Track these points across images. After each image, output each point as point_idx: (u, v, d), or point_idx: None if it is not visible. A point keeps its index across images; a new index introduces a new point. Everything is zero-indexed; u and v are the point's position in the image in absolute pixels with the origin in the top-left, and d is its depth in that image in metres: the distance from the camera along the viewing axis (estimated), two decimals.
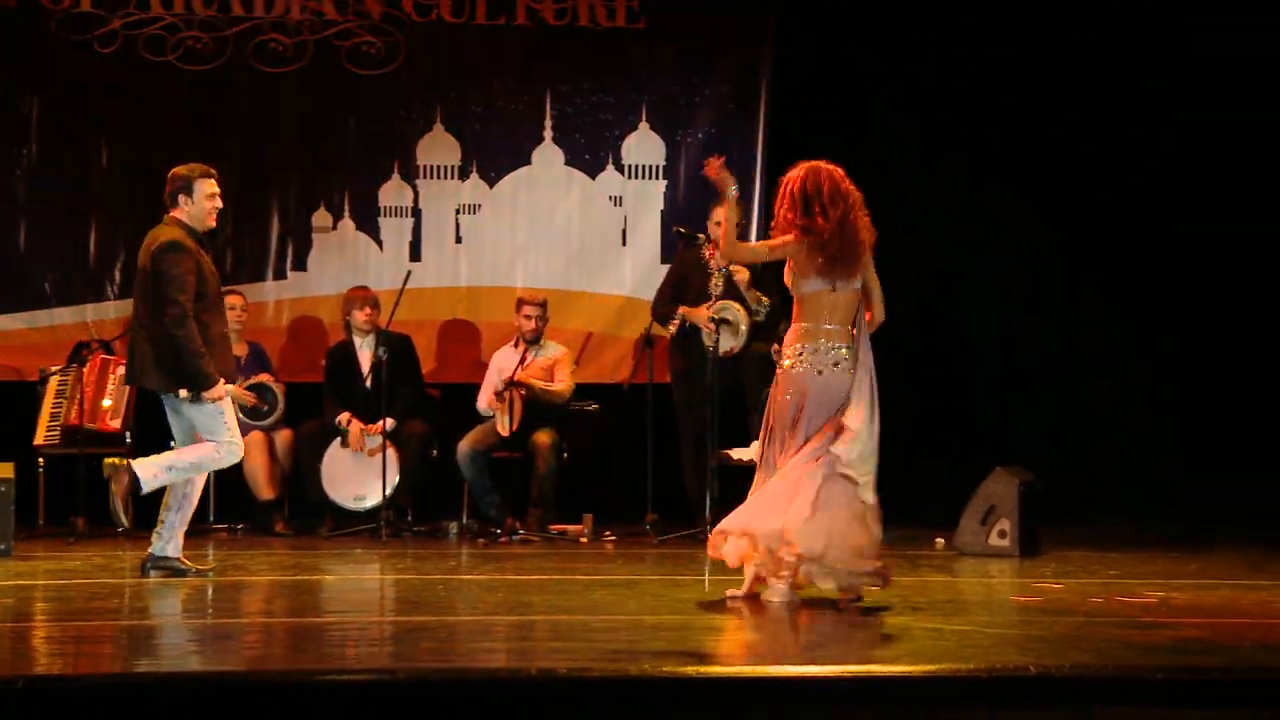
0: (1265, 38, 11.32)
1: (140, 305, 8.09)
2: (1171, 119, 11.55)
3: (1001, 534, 9.34)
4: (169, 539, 8.12)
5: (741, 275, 10.07)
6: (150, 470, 8.04)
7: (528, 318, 10.72)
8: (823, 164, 7.34)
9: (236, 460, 8.19)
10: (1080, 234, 11.73)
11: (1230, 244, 11.55)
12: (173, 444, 8.44)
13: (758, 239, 11.30)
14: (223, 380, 8.00)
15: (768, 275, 10.24)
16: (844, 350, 7.28)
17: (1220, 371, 11.60)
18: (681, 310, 10.29)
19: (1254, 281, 11.65)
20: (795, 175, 7.34)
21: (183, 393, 8.00)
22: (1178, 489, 11.47)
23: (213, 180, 8.12)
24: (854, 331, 7.31)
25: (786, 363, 7.30)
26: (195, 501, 8.22)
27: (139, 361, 8.08)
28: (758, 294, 10.11)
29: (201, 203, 8.06)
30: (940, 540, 9.91)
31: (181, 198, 8.09)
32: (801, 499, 7.07)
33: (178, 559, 8.12)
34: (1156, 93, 11.58)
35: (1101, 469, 11.73)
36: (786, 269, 7.40)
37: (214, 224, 8.15)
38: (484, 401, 10.68)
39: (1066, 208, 11.71)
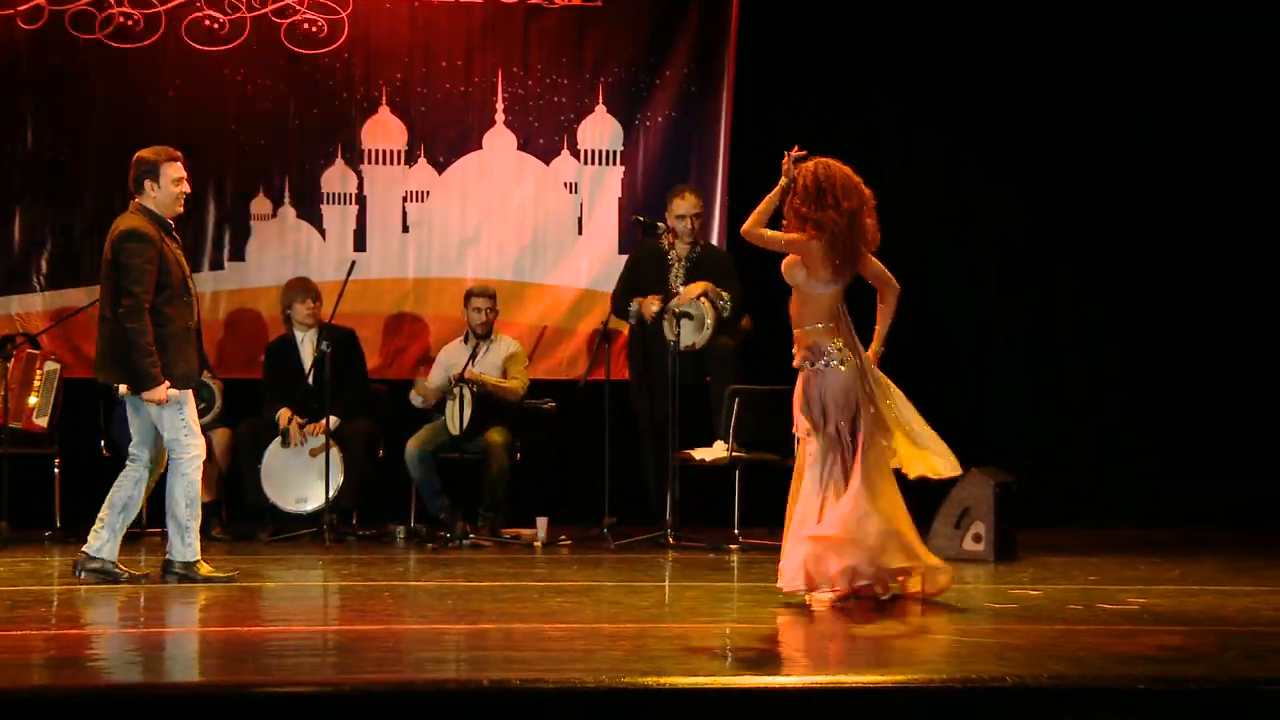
0: (1246, 16, 11.39)
1: (103, 296, 8.14)
2: (1154, 98, 11.62)
3: (976, 538, 9.37)
4: (107, 540, 8.09)
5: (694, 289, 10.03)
6: (183, 543, 8.10)
7: (477, 310, 10.71)
8: (834, 160, 7.54)
9: (199, 461, 8.15)
10: (1059, 215, 11.78)
11: (1213, 228, 11.63)
12: (122, 446, 8.54)
13: (719, 228, 11.33)
14: (166, 383, 7.98)
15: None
16: (841, 347, 7.52)
17: (1202, 362, 11.67)
18: (635, 301, 10.30)
19: (1241, 270, 11.73)
20: (807, 167, 7.51)
21: (122, 388, 8.03)
22: (1158, 483, 11.54)
23: (179, 164, 8.15)
24: (835, 327, 7.54)
25: (842, 366, 7.49)
26: (140, 505, 8.19)
27: (99, 355, 8.16)
28: (718, 289, 10.11)
29: (168, 188, 8.09)
30: None
31: (147, 183, 8.11)
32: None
33: (113, 562, 8.08)
34: (1138, 71, 11.65)
35: (1080, 465, 11.78)
36: (790, 264, 7.54)
37: (181, 210, 8.18)
38: (415, 393, 10.63)
39: (1045, 187, 11.77)
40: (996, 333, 11.87)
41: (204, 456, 8.22)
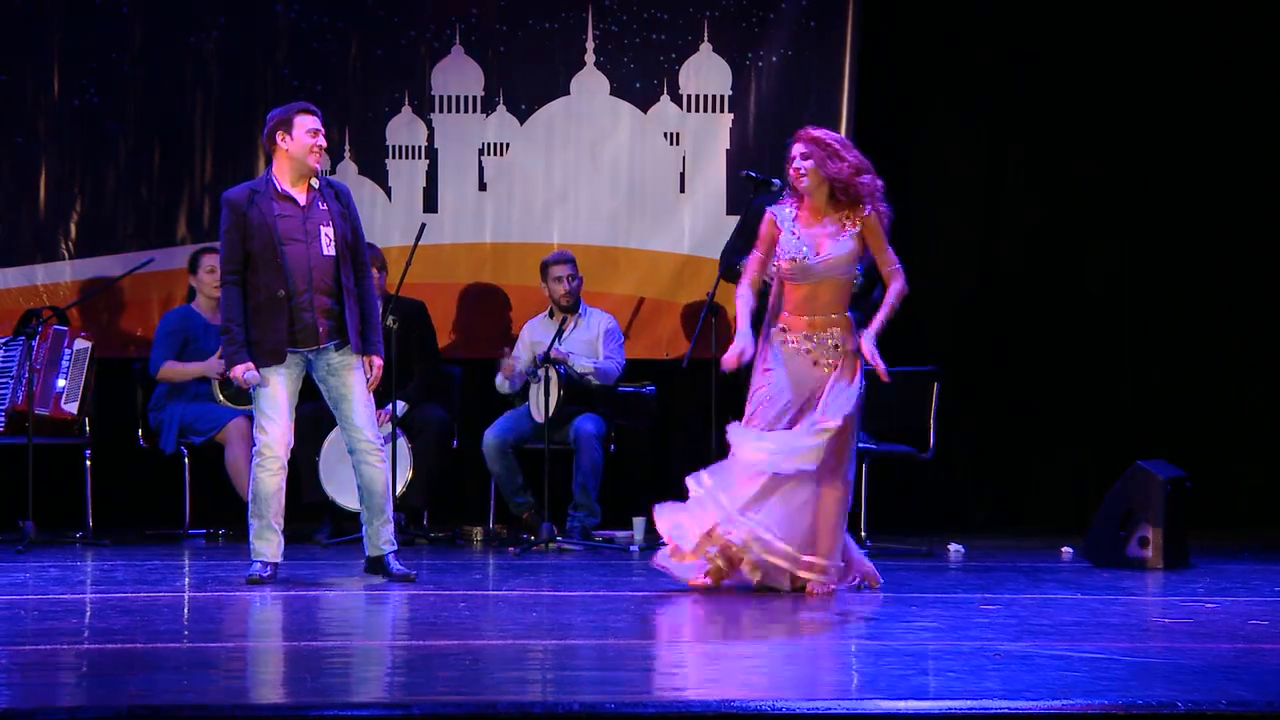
0: None
1: None
2: None
3: (1143, 542, 9.31)
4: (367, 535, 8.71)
5: None
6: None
7: (557, 280, 10.73)
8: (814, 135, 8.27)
9: (263, 457, 8.48)
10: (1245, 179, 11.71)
11: None
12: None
13: None
14: (241, 365, 8.41)
15: None
16: None
17: None
18: (744, 263, 10.26)
19: None
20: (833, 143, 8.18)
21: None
22: None
23: (312, 116, 8.50)
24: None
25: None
26: (371, 491, 8.67)
27: None
28: None
29: (302, 139, 8.44)
30: (1067, 550, 9.90)
31: (280, 135, 8.45)
32: None
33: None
34: None
35: (1262, 459, 11.68)
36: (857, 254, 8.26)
37: (315, 163, 8.47)
38: (501, 375, 10.68)
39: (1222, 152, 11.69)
40: (1162, 319, 11.77)
41: (275, 452, 8.45)
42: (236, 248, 8.42)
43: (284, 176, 8.48)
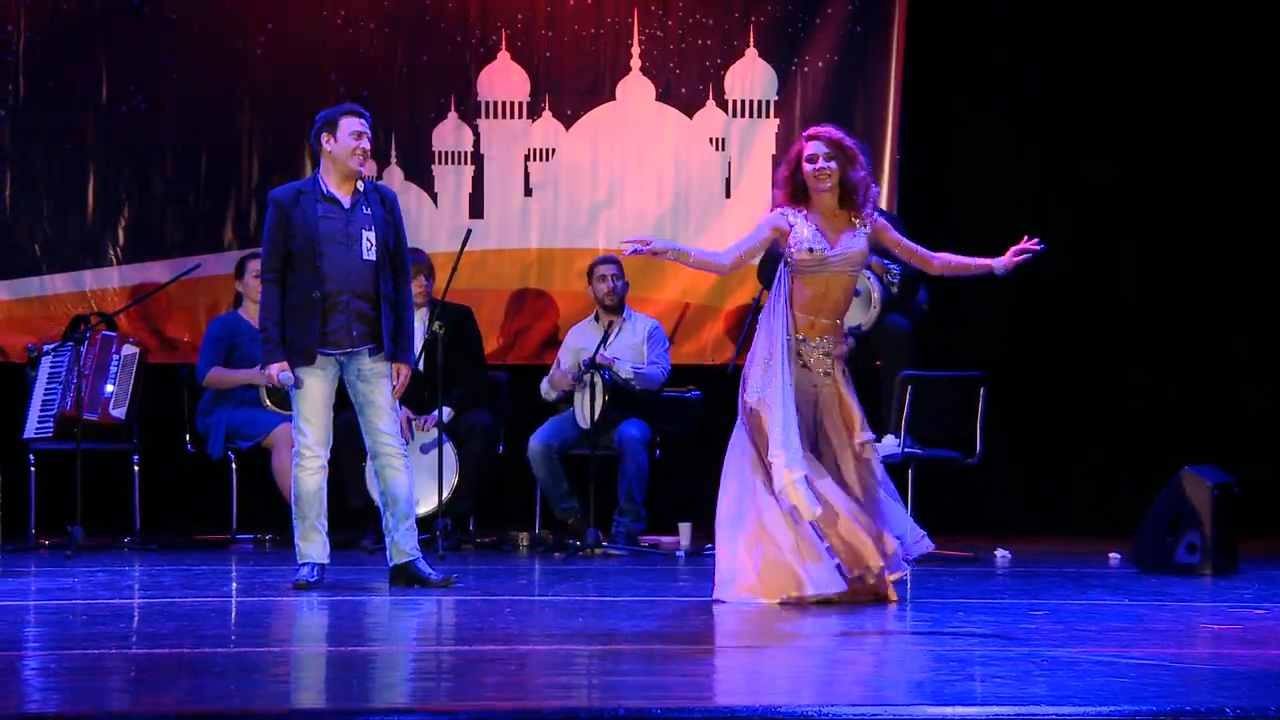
0: None
1: None
2: None
3: (1191, 548, 9.28)
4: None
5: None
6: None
7: (602, 278, 10.74)
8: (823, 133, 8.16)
9: (303, 458, 8.52)
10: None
11: None
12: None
13: (888, 190, 11.29)
14: (276, 365, 8.43)
15: None
16: None
17: None
18: None
19: None
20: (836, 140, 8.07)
21: None
22: None
23: (357, 118, 8.50)
24: None
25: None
26: (392, 495, 8.64)
27: None
28: (883, 264, 10.06)
29: (345, 140, 8.45)
30: (1114, 555, 9.87)
31: (325, 137, 8.48)
32: None
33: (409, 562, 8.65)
34: None
35: None
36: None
37: (357, 166, 8.49)
38: (548, 383, 10.70)
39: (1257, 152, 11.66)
40: (1208, 321, 11.73)
41: (314, 451, 8.48)
42: (279, 246, 8.44)
43: (329, 178, 8.49)
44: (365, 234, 8.46)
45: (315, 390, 8.46)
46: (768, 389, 8.02)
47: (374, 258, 8.47)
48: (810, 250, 7.99)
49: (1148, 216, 11.70)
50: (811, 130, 8.13)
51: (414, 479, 8.73)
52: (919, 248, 8.20)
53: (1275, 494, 11.29)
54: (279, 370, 8.41)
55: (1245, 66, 11.58)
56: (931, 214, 11.23)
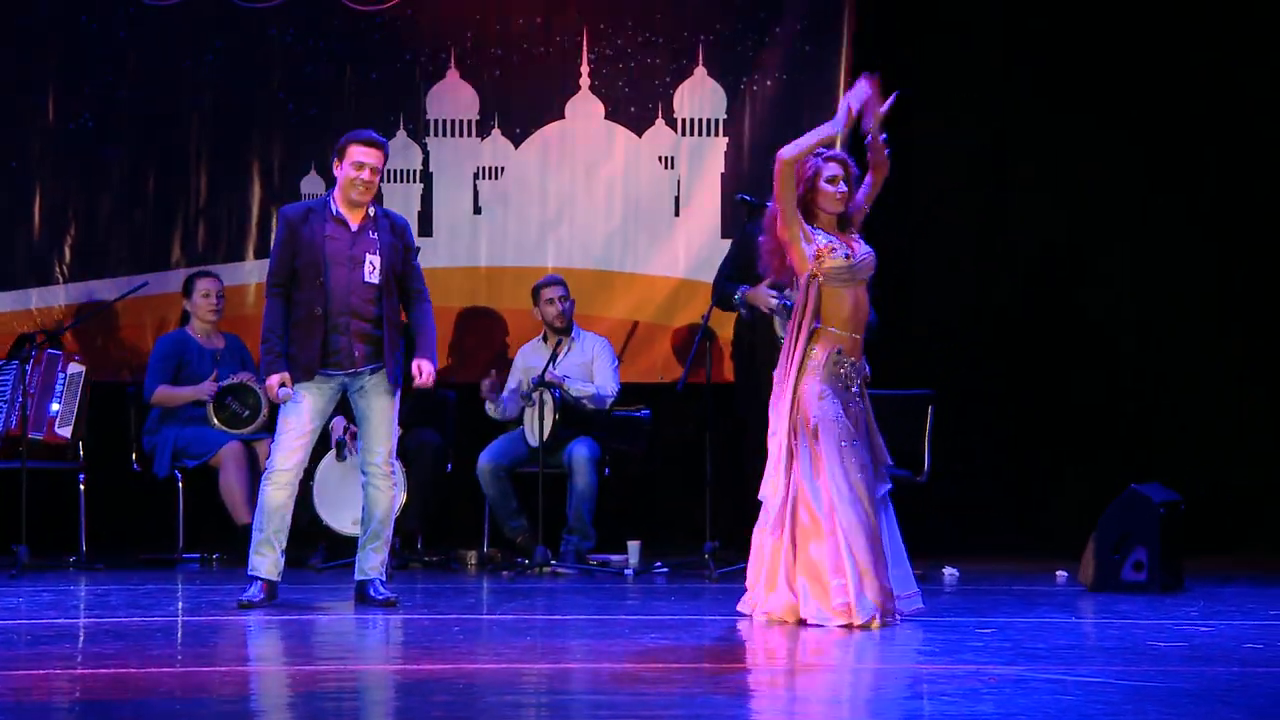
0: None
1: None
2: None
3: (1137, 566, 9.31)
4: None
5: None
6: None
7: (549, 302, 10.73)
8: None
9: (272, 472, 8.57)
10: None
11: None
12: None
13: None
14: (275, 377, 8.51)
15: None
16: None
17: None
18: (741, 292, 10.23)
19: None
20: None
21: None
22: None
23: (364, 148, 8.58)
24: None
25: None
26: (374, 515, 8.71)
27: None
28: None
29: (347, 170, 8.57)
30: (1061, 573, 9.90)
31: (335, 162, 8.65)
32: None
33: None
34: None
35: (1256, 481, 11.67)
36: None
37: (357, 197, 8.59)
38: (491, 398, 10.68)
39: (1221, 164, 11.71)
40: (1159, 338, 11.78)
41: (285, 468, 8.55)
42: (285, 263, 8.58)
43: (340, 200, 8.62)
44: (370, 257, 8.58)
45: (306, 409, 8.55)
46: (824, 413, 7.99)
47: (377, 280, 8.60)
48: (845, 256, 7.97)
49: (1141, 218, 11.70)
50: (828, 153, 8.07)
51: (362, 496, 8.74)
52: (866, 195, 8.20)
53: (1275, 494, 11.31)
54: (278, 381, 8.50)
55: (1239, 69, 11.58)
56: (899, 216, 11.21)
